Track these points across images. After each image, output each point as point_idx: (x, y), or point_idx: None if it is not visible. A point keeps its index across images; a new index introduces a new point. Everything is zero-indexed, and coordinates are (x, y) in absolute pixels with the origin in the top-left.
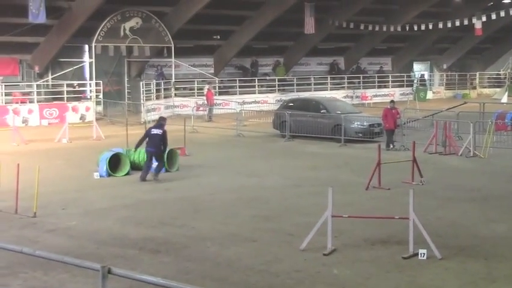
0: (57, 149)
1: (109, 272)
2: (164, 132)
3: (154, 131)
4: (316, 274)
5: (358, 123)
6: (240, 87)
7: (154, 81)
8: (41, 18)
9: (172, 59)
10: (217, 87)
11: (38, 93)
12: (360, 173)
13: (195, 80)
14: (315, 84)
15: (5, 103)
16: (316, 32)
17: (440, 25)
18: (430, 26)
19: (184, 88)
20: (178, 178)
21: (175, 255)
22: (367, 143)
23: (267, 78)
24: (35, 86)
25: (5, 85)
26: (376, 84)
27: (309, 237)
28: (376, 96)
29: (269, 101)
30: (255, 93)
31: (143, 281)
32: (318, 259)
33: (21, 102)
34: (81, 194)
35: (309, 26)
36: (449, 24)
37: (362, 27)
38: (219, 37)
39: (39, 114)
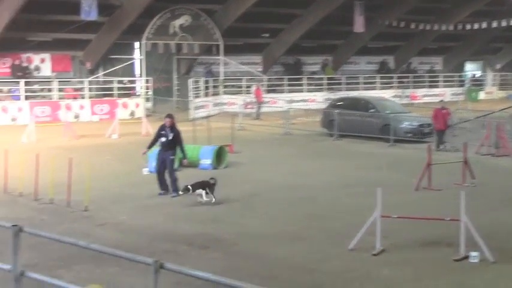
0: (107, 145)
1: (161, 266)
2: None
3: None
4: (366, 274)
5: (408, 123)
6: (288, 85)
7: (203, 78)
8: (93, 16)
9: (221, 57)
10: (265, 85)
11: (89, 89)
12: (409, 174)
13: (244, 77)
14: (363, 83)
15: (58, 99)
16: (365, 30)
17: (494, 24)
18: (483, 25)
19: (233, 86)
20: (227, 175)
21: (225, 251)
22: (416, 143)
23: (315, 76)
24: (87, 82)
25: (58, 81)
26: (427, 84)
27: (358, 237)
28: (426, 96)
29: (317, 99)
30: (303, 91)
31: (195, 276)
32: (367, 259)
33: (73, 98)
34: (131, 189)
35: (359, 24)
36: (503, 23)
37: (413, 26)
38: (268, 35)
39: (90, 109)
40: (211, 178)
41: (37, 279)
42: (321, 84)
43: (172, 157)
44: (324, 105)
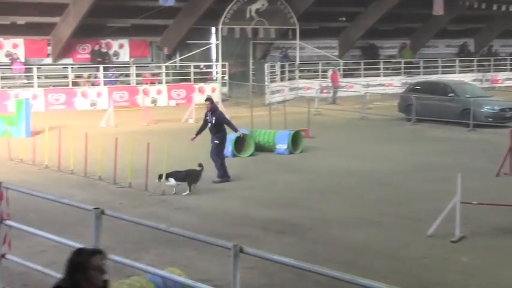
0: (183, 129)
1: (241, 251)
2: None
3: None
4: (444, 261)
5: (489, 107)
6: (364, 69)
7: (278, 63)
8: (171, 1)
9: (297, 41)
10: (341, 69)
11: (167, 74)
12: (489, 159)
13: (320, 62)
14: (442, 67)
15: (136, 84)
16: (445, 13)
17: None
18: None
19: (309, 70)
20: (303, 160)
21: (301, 237)
22: (497, 128)
23: (393, 60)
24: (164, 67)
25: (136, 66)
26: (509, 67)
27: (437, 223)
28: (508, 79)
29: (394, 83)
30: (380, 75)
31: (274, 260)
32: (445, 246)
33: (151, 83)
34: (207, 174)
35: (438, 7)
36: None
37: (495, 7)
38: (344, 19)
39: (167, 94)
40: (199, 165)
41: (117, 261)
42: (399, 68)
43: (216, 142)
44: (401, 90)
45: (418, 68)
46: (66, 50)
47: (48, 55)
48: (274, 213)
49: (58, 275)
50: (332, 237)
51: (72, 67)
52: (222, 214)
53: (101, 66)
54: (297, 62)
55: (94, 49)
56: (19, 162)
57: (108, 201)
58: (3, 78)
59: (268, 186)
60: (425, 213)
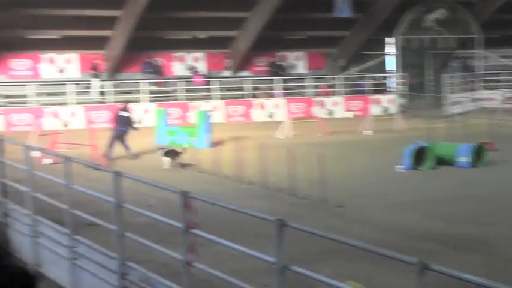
0: (360, 141)
1: (426, 267)
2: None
3: (122, 113)
4: None
5: None
6: None
7: (459, 73)
8: (347, 13)
9: (479, 50)
10: None
11: (343, 86)
12: None
13: (504, 71)
14: None
15: (312, 95)
16: None
17: None
18: None
19: (492, 80)
20: (487, 174)
21: (485, 254)
22: None
23: None
24: (340, 78)
25: (312, 78)
26: None
27: None
28: None
29: None
30: None
31: (463, 279)
32: None
33: (327, 95)
34: (385, 186)
35: None
36: None
37: None
38: None
39: (343, 106)
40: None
41: (300, 272)
42: None
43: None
44: None
45: None
46: (244, 62)
47: (227, 68)
48: (456, 228)
49: (241, 283)
50: None
51: (250, 79)
52: (401, 228)
53: (279, 78)
54: (479, 71)
55: (271, 61)
56: (200, 173)
57: (286, 212)
58: (185, 90)
59: (449, 200)
60: None
